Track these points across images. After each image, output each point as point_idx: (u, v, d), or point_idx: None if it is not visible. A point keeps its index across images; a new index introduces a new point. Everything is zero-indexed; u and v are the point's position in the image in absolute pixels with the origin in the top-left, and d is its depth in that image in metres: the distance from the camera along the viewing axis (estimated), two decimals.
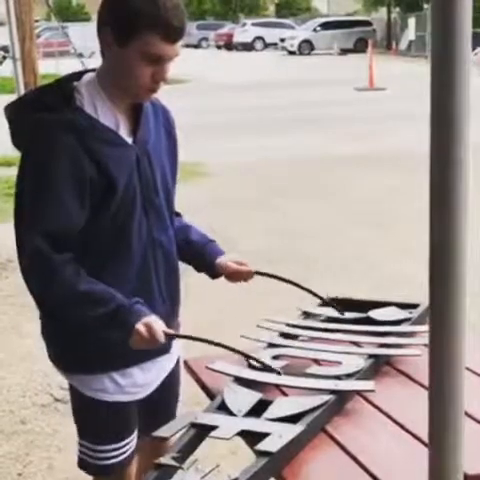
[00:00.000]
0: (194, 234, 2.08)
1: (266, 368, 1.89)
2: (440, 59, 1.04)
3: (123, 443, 1.94)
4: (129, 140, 1.81)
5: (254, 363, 1.94)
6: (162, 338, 1.74)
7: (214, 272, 2.07)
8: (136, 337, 1.71)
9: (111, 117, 1.78)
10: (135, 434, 1.97)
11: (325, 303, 2.30)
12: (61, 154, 1.69)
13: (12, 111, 1.79)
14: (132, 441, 1.97)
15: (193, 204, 5.77)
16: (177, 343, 1.99)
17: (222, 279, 2.11)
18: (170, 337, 1.79)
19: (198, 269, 2.10)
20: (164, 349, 1.91)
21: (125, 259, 1.82)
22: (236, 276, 2.07)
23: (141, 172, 1.82)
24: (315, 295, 2.24)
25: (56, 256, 1.71)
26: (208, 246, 2.07)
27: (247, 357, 1.90)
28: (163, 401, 2.04)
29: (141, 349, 1.76)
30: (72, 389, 1.94)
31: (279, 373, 1.87)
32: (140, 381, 1.91)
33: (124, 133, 1.80)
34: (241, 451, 2.63)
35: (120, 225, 1.79)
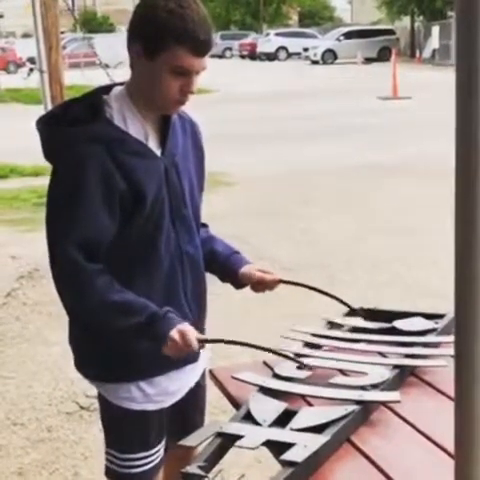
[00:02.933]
0: (219, 245, 2.09)
1: (296, 361, 1.91)
2: (466, 68, 1.04)
3: (150, 452, 1.95)
4: (158, 152, 1.83)
5: (280, 372, 1.95)
6: (196, 344, 1.76)
7: (238, 282, 2.07)
8: (171, 344, 1.74)
9: (140, 129, 1.80)
10: (163, 443, 1.98)
11: (350, 310, 2.29)
12: (91, 166, 1.72)
13: (43, 125, 1.82)
14: (159, 450, 1.97)
15: (218, 213, 5.80)
16: (204, 354, 2.00)
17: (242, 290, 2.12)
18: (203, 343, 1.81)
19: (223, 279, 2.11)
20: (192, 358, 1.92)
21: (153, 269, 1.84)
22: (261, 285, 2.07)
23: (170, 184, 1.84)
24: (340, 301, 2.23)
25: (89, 266, 1.74)
26: (233, 256, 2.08)
27: (279, 355, 1.90)
28: (190, 410, 2.05)
29: (176, 356, 1.78)
30: (100, 397, 1.96)
31: (309, 367, 1.91)
32: (167, 390, 1.92)
33: (153, 145, 1.83)
34: (266, 460, 2.63)
35: (149, 236, 1.81)
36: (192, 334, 1.75)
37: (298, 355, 2.08)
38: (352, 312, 2.31)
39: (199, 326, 1.96)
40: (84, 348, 1.93)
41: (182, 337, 1.74)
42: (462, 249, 1.10)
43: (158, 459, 1.97)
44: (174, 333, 1.73)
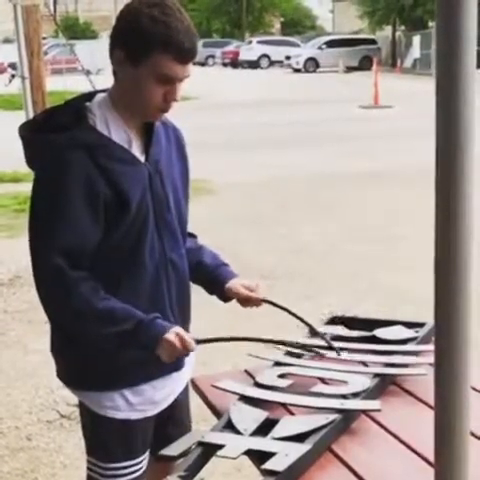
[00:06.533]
0: (207, 256, 2.08)
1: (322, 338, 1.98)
2: (445, 78, 1.06)
3: (134, 461, 1.93)
4: (141, 158, 1.83)
5: (262, 381, 1.95)
6: (193, 345, 1.77)
7: (224, 295, 2.07)
8: (167, 347, 1.74)
9: (123, 136, 1.80)
10: (147, 453, 1.97)
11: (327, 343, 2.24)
12: (74, 173, 1.72)
13: (26, 131, 1.81)
14: (144, 460, 1.96)
15: (199, 221, 5.78)
16: (189, 362, 2.00)
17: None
18: (201, 343, 1.80)
19: (210, 292, 2.10)
20: (176, 366, 1.92)
21: (137, 277, 1.83)
22: (246, 302, 2.07)
23: (153, 190, 1.84)
24: (320, 336, 2.20)
25: (73, 273, 1.73)
26: (220, 269, 2.07)
27: (286, 344, 1.91)
28: (174, 420, 2.04)
29: (171, 359, 1.78)
30: (82, 406, 1.95)
31: (338, 352, 2.01)
32: (151, 399, 1.91)
33: (136, 152, 1.83)
34: (246, 468, 2.63)
35: (133, 243, 1.81)
36: (188, 336, 1.77)
37: (279, 364, 2.09)
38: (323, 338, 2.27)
39: None
40: (66, 357, 1.91)
41: (180, 339, 1.75)
42: (442, 257, 1.11)
43: (142, 469, 1.95)
44: (170, 335, 1.75)
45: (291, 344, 1.95)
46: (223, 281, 2.05)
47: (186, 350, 1.77)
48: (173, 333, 1.76)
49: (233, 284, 2.05)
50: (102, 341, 1.78)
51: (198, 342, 1.79)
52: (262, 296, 2.06)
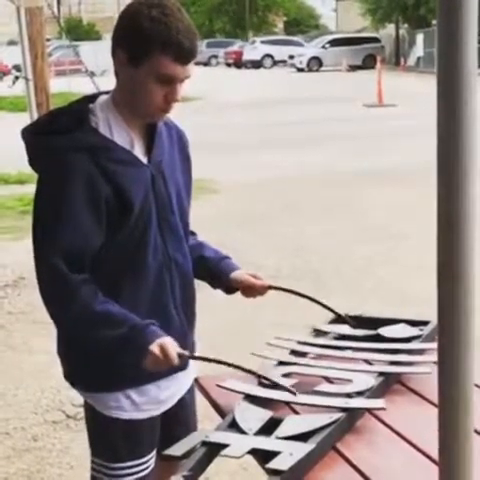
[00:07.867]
0: (208, 251, 2.10)
1: (280, 388, 1.87)
2: (446, 77, 1.06)
3: (140, 461, 1.93)
4: (144, 160, 1.84)
5: (266, 382, 1.95)
6: (176, 360, 1.76)
7: (229, 287, 2.08)
8: (150, 358, 1.73)
9: (126, 137, 1.81)
10: (153, 452, 1.96)
11: (339, 318, 2.29)
12: (76, 175, 1.72)
13: (28, 133, 1.82)
14: (150, 460, 1.95)
15: (202, 220, 5.79)
16: (194, 361, 2.00)
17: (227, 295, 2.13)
18: (184, 358, 1.80)
19: (213, 285, 2.11)
20: (181, 366, 1.92)
21: (141, 278, 1.84)
22: (251, 290, 2.08)
23: (156, 191, 1.84)
24: (329, 309, 2.24)
25: (73, 276, 1.74)
26: (223, 262, 2.09)
27: (262, 378, 1.90)
28: (181, 419, 2.04)
29: (155, 370, 1.77)
30: (87, 406, 1.95)
31: (294, 393, 1.85)
32: (156, 398, 1.91)
33: (139, 153, 1.83)
34: (252, 467, 2.63)
35: (136, 244, 1.81)
36: (172, 348, 1.75)
37: (283, 363, 2.09)
38: (338, 319, 2.32)
39: (188, 334, 1.96)
40: (72, 358, 1.92)
41: (162, 351, 1.73)
42: (445, 257, 1.11)
43: (149, 468, 1.95)
44: (154, 347, 1.73)
45: (275, 383, 1.90)
46: (227, 272, 2.06)
47: (168, 363, 1.75)
48: (157, 344, 1.73)
49: (237, 274, 2.07)
50: (101, 344, 1.78)
51: (181, 357, 1.77)
52: (267, 283, 2.07)
